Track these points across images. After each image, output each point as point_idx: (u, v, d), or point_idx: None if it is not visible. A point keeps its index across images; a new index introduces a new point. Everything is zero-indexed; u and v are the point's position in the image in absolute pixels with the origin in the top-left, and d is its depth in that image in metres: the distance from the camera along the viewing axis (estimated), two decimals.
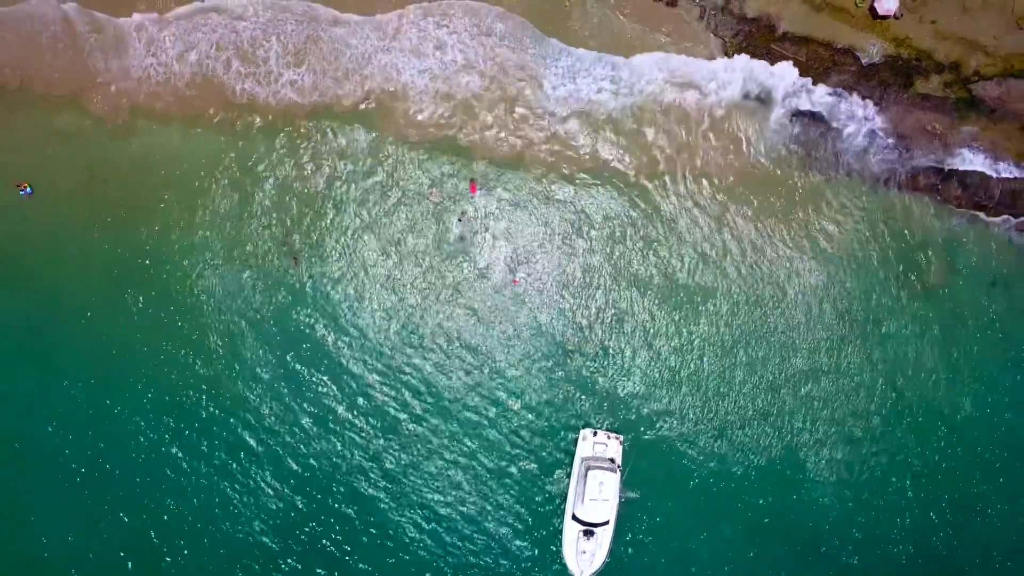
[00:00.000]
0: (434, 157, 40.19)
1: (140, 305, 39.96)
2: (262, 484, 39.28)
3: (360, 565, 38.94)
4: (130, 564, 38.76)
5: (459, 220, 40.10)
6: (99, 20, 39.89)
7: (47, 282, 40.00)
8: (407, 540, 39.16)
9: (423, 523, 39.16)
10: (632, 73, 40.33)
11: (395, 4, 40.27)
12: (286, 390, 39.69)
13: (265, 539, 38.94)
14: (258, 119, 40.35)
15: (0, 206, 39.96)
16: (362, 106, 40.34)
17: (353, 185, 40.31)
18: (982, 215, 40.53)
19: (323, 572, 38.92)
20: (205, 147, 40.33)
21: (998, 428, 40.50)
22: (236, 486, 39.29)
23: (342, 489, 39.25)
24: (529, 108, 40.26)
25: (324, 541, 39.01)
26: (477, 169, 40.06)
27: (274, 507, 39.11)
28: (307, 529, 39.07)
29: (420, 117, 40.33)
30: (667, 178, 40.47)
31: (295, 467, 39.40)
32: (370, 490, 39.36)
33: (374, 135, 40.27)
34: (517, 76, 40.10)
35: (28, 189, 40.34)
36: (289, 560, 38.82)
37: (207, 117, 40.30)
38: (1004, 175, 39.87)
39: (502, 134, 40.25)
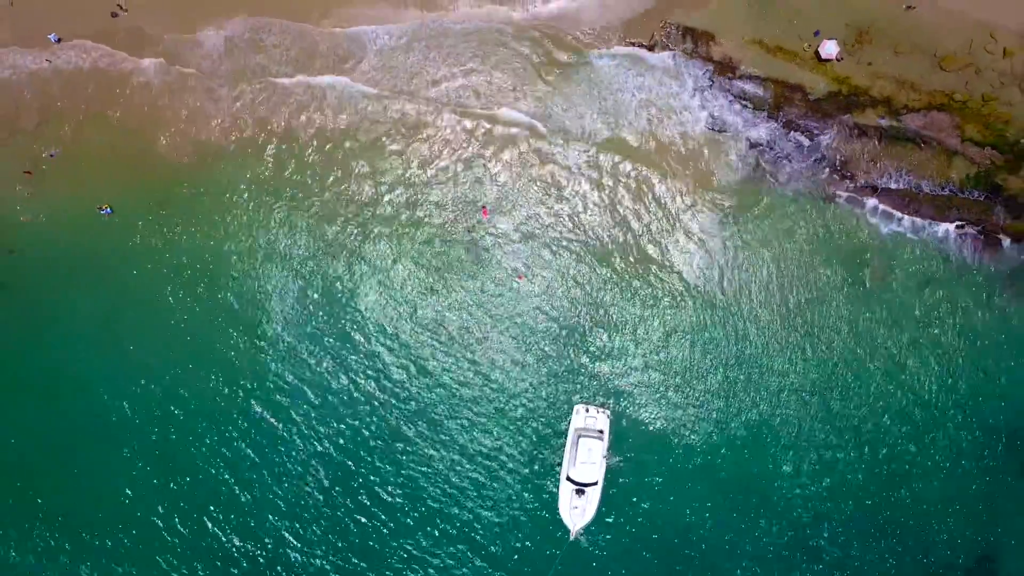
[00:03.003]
0: (450, 184, 47.86)
1: (200, 301, 47.65)
2: (307, 427, 46.86)
3: (382, 515, 46.26)
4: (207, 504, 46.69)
5: (469, 230, 47.68)
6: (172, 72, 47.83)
7: (122, 284, 47.70)
8: (424, 496, 46.42)
9: (441, 482, 46.59)
10: (617, 107, 47.86)
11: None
12: (326, 366, 47.18)
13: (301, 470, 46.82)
14: (298, 150, 48.21)
15: (86, 224, 47.76)
16: (385, 139, 48.03)
17: (380, 202, 48.03)
18: (912, 225, 47.65)
19: (352, 521, 46.62)
20: (253, 173, 48.21)
21: (932, 400, 47.11)
22: (279, 427, 47.02)
23: (373, 451, 46.79)
24: (530, 145, 47.85)
25: (353, 495, 46.46)
26: (488, 196, 47.77)
27: (322, 458, 46.76)
28: (341, 478, 46.59)
29: (438, 152, 47.98)
30: (647, 194, 47.88)
31: (330, 429, 46.83)
32: (395, 451, 46.77)
33: (398, 166, 47.95)
34: (518, 121, 47.79)
35: (108, 210, 48.00)
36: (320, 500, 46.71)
37: (254, 150, 48.16)
38: (926, 191, 47.23)
39: (507, 165, 47.83)
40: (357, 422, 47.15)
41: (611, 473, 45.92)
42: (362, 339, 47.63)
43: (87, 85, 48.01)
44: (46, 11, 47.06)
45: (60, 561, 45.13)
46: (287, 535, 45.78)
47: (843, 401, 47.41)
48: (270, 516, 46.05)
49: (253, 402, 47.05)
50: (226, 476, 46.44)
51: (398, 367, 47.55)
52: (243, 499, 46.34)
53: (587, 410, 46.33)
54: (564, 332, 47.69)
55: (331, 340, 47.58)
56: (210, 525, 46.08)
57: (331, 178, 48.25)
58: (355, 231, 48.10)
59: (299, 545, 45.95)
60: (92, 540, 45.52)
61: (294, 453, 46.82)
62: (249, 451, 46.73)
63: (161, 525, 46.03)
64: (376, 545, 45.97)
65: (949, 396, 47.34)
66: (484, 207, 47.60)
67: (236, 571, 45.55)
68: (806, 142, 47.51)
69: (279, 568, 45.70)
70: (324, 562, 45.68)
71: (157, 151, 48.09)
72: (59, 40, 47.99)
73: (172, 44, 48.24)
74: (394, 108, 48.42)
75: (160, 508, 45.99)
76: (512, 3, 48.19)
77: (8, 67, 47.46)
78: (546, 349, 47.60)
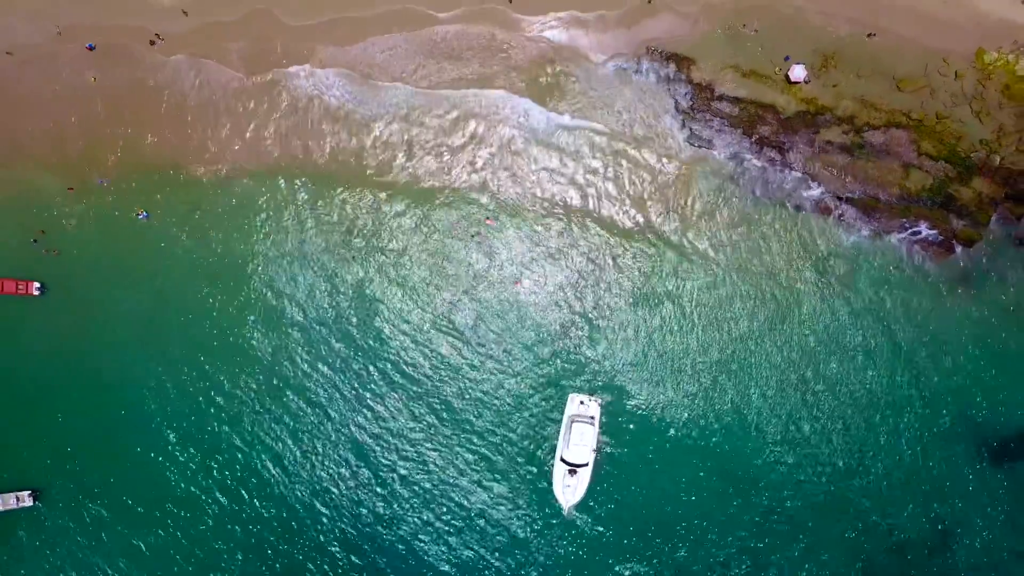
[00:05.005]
0: (461, 201, 52.88)
1: (232, 298, 52.38)
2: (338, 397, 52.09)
3: (394, 486, 51.42)
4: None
5: (473, 237, 52.49)
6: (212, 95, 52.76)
7: (159, 283, 52.37)
8: (430, 474, 51.44)
9: (446, 464, 51.50)
10: (604, 125, 52.74)
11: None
12: (347, 355, 52.13)
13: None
14: (322, 172, 52.88)
15: (124, 227, 52.34)
16: (402, 161, 52.91)
17: (397, 213, 52.82)
18: (873, 232, 52.23)
19: (367, 491, 51.50)
20: (282, 190, 52.94)
21: (892, 390, 51.98)
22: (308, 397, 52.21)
23: (389, 430, 51.88)
24: (528, 168, 52.72)
25: (369, 468, 51.57)
26: (494, 210, 52.71)
27: (342, 435, 51.78)
28: (359, 453, 51.73)
29: (448, 174, 52.99)
30: (630, 204, 52.65)
31: (350, 411, 51.81)
32: (411, 428, 51.92)
33: (413, 185, 52.91)
34: (519, 149, 52.91)
35: (145, 214, 52.73)
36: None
37: (276, 160, 52.96)
38: (886, 201, 52.03)
39: (508, 184, 52.70)
40: (373, 404, 52.03)
41: (601, 455, 50.78)
42: (379, 332, 52.42)
43: (129, 104, 52.47)
44: (91, 38, 51.82)
45: (109, 529, 50.49)
46: (312, 503, 51.23)
47: (811, 391, 52.15)
48: (297, 489, 51.36)
49: (279, 388, 51.99)
50: (255, 452, 51.60)
51: (408, 359, 52.44)
52: (273, 472, 51.59)
53: (580, 399, 51.10)
54: (559, 330, 52.44)
55: (351, 333, 52.36)
56: (246, 496, 51.38)
57: (348, 192, 52.97)
58: (373, 236, 52.73)
59: (323, 509, 51.39)
60: (137, 510, 50.90)
61: (317, 432, 51.82)
62: (276, 431, 51.76)
63: (201, 499, 51.25)
64: (387, 513, 51.30)
65: (907, 386, 52.18)
66: (488, 218, 52.47)
67: (265, 532, 51.21)
68: (778, 156, 52.31)
69: (303, 533, 51.10)
70: (343, 525, 51.04)
71: (191, 162, 52.57)
72: (94, 48, 52.24)
73: (200, 69, 52.77)
74: (398, 120, 52.75)
75: (199, 484, 51.17)
76: (511, 29, 52.75)
77: (56, 85, 51.95)
78: (543, 345, 52.35)
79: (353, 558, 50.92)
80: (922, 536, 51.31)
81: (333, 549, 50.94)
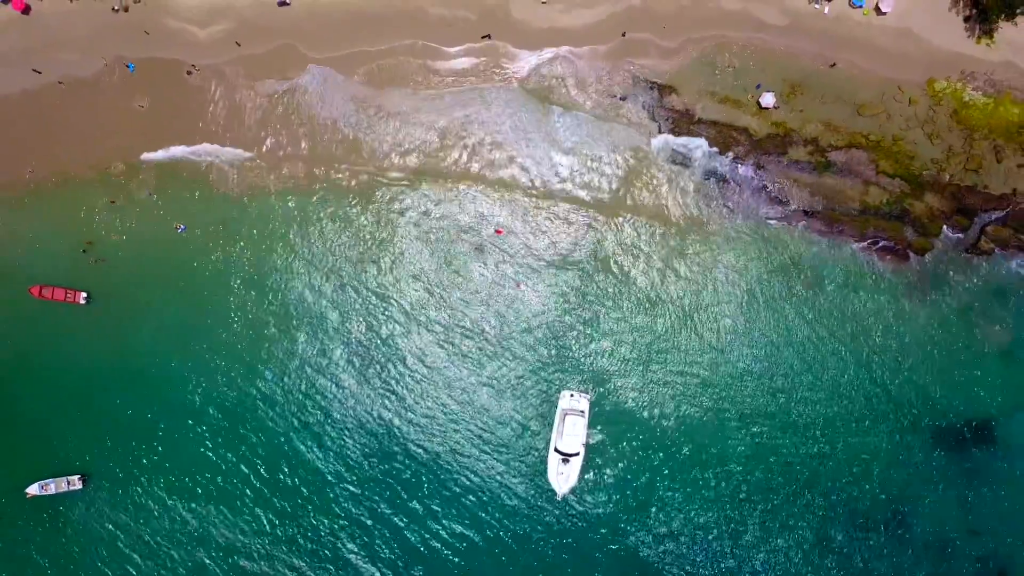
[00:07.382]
0: (468, 203, 58.51)
1: (262, 305, 57.79)
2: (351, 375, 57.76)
3: (403, 474, 56.76)
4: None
5: (475, 247, 58.16)
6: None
7: (196, 291, 57.75)
8: (436, 462, 56.79)
9: (450, 452, 56.98)
10: (595, 144, 58.49)
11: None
12: (371, 353, 57.78)
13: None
14: (339, 184, 58.43)
15: (164, 240, 57.86)
16: (410, 167, 58.70)
17: (407, 219, 58.51)
18: (836, 242, 57.70)
19: (380, 474, 57.06)
20: (303, 201, 58.46)
21: (853, 385, 57.59)
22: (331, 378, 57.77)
23: (398, 425, 57.52)
24: (532, 177, 58.45)
25: (382, 455, 57.03)
26: (499, 217, 58.35)
27: (355, 423, 57.44)
28: (372, 439, 57.22)
29: (457, 174, 58.69)
30: (620, 217, 58.28)
31: (358, 405, 57.41)
32: (419, 418, 57.54)
33: (423, 189, 58.66)
34: (523, 160, 58.61)
35: (183, 227, 58.34)
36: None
37: (299, 181, 58.66)
38: (848, 215, 57.53)
39: (506, 195, 58.47)
40: (376, 402, 57.64)
41: (591, 446, 56.20)
42: (392, 333, 58.08)
43: (165, 125, 58.08)
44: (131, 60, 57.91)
45: (152, 508, 56.29)
46: (340, 477, 57.01)
47: (780, 384, 57.69)
48: (326, 465, 56.97)
49: (303, 385, 57.57)
50: (283, 440, 57.22)
51: (412, 360, 58.05)
52: (300, 453, 57.10)
53: (571, 394, 56.46)
54: (554, 332, 57.91)
55: (365, 332, 57.93)
56: (280, 475, 56.94)
57: (363, 202, 58.65)
58: (384, 243, 58.36)
59: (351, 486, 56.93)
60: (177, 491, 56.65)
61: (337, 420, 57.42)
62: (302, 418, 57.38)
63: (234, 480, 56.83)
64: (394, 496, 56.78)
65: (868, 380, 57.74)
66: (498, 229, 58.24)
67: (293, 505, 57.04)
68: (750, 174, 57.94)
69: (333, 507, 56.76)
70: (372, 503, 56.61)
71: (222, 178, 58.12)
72: (133, 69, 57.62)
73: (229, 95, 58.60)
74: (406, 126, 58.22)
75: (235, 467, 56.92)
76: (509, 60, 58.47)
77: (101, 110, 57.45)
78: (539, 346, 57.81)
79: (376, 535, 56.46)
80: (881, 514, 56.55)
81: (367, 521, 56.22)
